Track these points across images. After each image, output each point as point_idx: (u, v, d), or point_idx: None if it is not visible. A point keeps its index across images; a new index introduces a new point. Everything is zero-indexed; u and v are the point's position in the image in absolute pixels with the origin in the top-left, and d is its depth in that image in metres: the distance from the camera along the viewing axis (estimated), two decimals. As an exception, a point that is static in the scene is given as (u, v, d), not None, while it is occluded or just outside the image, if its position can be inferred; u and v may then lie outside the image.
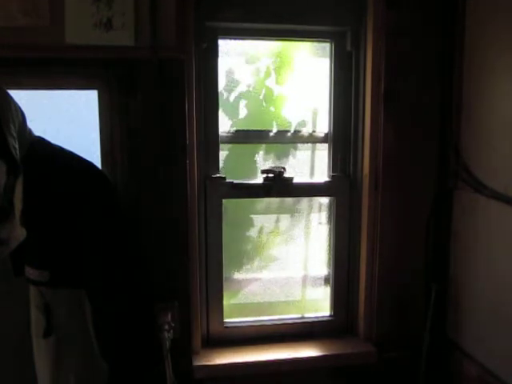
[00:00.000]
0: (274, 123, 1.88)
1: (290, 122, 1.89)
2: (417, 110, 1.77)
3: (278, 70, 1.86)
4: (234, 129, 1.84)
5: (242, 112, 1.87)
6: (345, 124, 1.87)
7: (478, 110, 1.67)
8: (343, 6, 1.78)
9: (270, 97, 1.88)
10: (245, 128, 1.86)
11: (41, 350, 1.37)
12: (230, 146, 1.86)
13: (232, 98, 1.85)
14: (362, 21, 1.78)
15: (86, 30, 1.51)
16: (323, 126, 1.90)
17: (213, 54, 1.75)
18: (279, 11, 1.73)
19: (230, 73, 1.83)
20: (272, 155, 1.91)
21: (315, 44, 1.88)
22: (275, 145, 1.90)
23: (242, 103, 1.86)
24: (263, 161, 1.90)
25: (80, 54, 1.52)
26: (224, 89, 1.82)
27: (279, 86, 1.88)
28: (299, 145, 1.91)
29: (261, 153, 1.91)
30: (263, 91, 1.87)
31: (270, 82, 1.87)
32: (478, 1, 1.66)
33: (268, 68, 1.86)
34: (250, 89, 1.86)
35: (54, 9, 1.49)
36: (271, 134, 1.87)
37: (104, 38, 1.52)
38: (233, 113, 1.85)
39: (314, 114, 1.92)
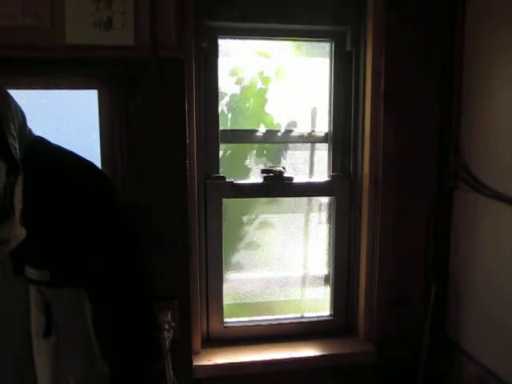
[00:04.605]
0: (274, 123, 1.88)
1: (290, 122, 1.89)
2: (417, 110, 1.77)
3: (278, 70, 1.86)
4: (234, 128, 1.84)
5: (244, 113, 1.88)
6: (345, 124, 1.87)
7: (478, 110, 1.67)
8: (343, 5, 1.78)
9: (268, 96, 1.88)
10: (245, 128, 1.87)
11: (41, 349, 1.37)
12: (228, 145, 1.87)
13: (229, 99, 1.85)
14: (362, 21, 1.78)
15: (86, 29, 1.51)
16: (323, 126, 1.90)
17: (213, 53, 1.75)
18: (279, 11, 1.72)
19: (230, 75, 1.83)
20: (272, 155, 1.91)
21: (315, 44, 1.88)
22: (275, 145, 1.91)
23: (241, 104, 1.87)
24: (263, 161, 1.91)
25: (80, 53, 1.51)
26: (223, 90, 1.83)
27: (279, 86, 1.88)
28: (299, 144, 1.91)
29: (260, 153, 1.91)
30: (262, 91, 1.87)
31: (269, 82, 1.87)
32: (478, 0, 1.66)
33: (267, 68, 1.86)
34: (248, 89, 1.87)
35: (54, 9, 1.49)
36: (271, 133, 1.87)
37: (104, 38, 1.52)
38: (231, 113, 1.86)
39: (314, 114, 1.92)
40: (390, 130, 1.76)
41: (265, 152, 1.92)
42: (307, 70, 1.88)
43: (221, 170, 1.82)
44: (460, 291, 1.80)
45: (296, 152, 1.92)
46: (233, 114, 1.87)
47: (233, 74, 1.84)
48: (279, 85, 1.88)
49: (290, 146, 1.91)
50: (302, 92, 1.88)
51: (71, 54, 1.51)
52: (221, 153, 1.84)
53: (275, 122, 1.89)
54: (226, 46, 1.79)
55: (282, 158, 1.91)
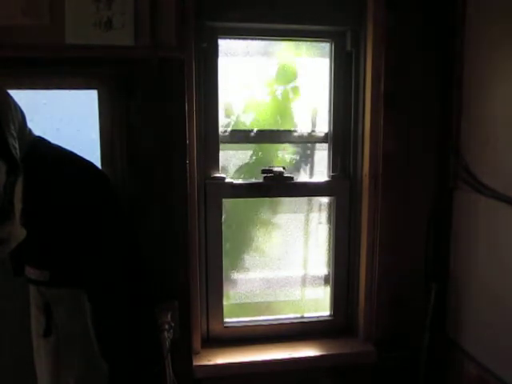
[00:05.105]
0: (275, 123, 1.88)
1: (290, 123, 1.89)
2: (416, 110, 1.77)
3: (280, 71, 1.86)
4: (237, 128, 1.85)
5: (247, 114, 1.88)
6: (345, 124, 1.87)
7: (478, 110, 1.67)
8: (343, 6, 1.78)
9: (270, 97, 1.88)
10: (245, 128, 1.87)
11: (41, 349, 1.37)
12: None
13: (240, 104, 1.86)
14: (362, 21, 1.78)
15: (86, 29, 1.51)
16: (323, 126, 1.90)
17: (213, 53, 1.75)
18: (279, 11, 1.73)
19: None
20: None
21: (315, 44, 1.88)
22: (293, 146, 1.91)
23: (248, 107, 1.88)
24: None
25: (80, 53, 1.51)
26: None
27: (279, 87, 1.88)
28: (299, 145, 1.91)
29: (260, 153, 1.91)
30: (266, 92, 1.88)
31: (271, 83, 1.87)
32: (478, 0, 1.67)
33: (270, 71, 1.86)
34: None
35: (53, 8, 1.49)
36: (272, 134, 1.87)
37: (104, 38, 1.52)
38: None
39: (314, 114, 1.92)
40: (389, 129, 1.76)
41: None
42: (307, 70, 1.88)
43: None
44: (460, 291, 1.80)
45: (296, 152, 1.92)
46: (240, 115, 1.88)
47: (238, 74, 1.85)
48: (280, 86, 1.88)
49: (291, 146, 1.91)
50: (303, 92, 1.88)
51: (71, 54, 1.51)
52: (249, 153, 1.86)
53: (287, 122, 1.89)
54: (226, 45, 1.79)
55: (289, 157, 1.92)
